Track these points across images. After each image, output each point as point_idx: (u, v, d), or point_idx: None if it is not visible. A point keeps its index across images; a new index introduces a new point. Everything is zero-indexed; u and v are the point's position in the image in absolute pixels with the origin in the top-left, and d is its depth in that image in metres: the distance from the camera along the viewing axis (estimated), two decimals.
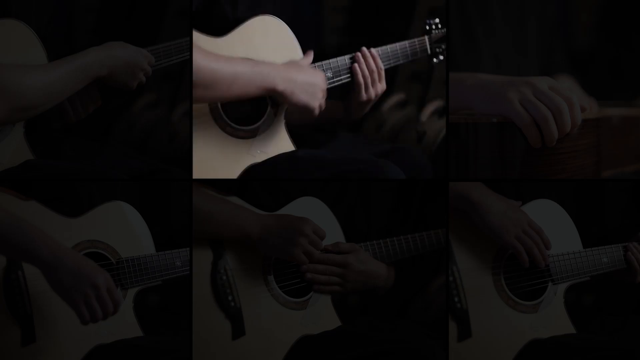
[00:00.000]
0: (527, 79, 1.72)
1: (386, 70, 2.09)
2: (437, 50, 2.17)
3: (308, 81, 1.95)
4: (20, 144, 1.87)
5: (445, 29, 2.19)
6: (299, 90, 1.94)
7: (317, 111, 1.98)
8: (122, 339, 1.84)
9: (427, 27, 2.17)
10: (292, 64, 1.97)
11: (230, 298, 1.86)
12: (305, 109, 1.97)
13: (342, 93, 2.15)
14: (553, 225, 1.89)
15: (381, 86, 2.08)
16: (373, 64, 2.05)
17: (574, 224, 1.92)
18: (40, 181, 1.86)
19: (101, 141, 2.51)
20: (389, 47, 2.10)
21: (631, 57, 2.61)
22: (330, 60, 2.04)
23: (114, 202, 1.90)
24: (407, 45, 2.13)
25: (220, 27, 1.97)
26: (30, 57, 1.84)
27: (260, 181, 1.96)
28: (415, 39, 2.14)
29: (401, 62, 2.13)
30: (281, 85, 1.92)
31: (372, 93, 2.07)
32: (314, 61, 2.02)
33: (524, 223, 1.84)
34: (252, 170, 1.96)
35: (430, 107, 2.62)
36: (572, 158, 1.75)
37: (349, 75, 2.05)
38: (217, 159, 1.94)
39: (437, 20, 2.17)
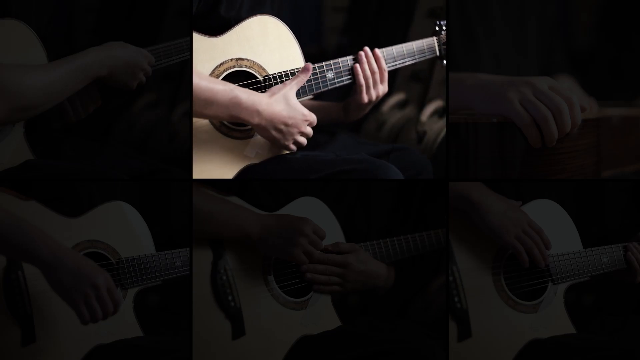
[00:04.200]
0: (527, 79, 1.72)
1: (388, 72, 2.08)
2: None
3: (285, 121, 1.93)
4: (20, 144, 1.87)
5: None
6: (272, 127, 1.92)
7: (290, 148, 1.96)
8: (122, 339, 1.84)
9: (437, 29, 2.14)
10: (280, 95, 1.94)
11: (230, 298, 1.86)
12: (277, 145, 1.97)
13: (343, 94, 2.15)
14: (553, 225, 1.89)
15: (383, 88, 2.06)
16: (375, 65, 2.04)
17: (574, 224, 1.92)
18: (40, 181, 1.86)
19: (101, 141, 2.51)
20: (394, 49, 2.08)
21: (631, 57, 2.61)
22: (332, 61, 2.03)
23: (114, 202, 1.90)
24: (414, 46, 2.11)
25: (218, 26, 1.96)
26: (30, 57, 1.84)
27: (260, 181, 1.96)
28: (423, 40, 2.12)
29: (408, 63, 2.11)
30: (256, 120, 1.91)
31: (373, 95, 2.05)
32: (314, 61, 2.02)
33: (524, 223, 1.84)
34: (248, 171, 1.96)
35: (430, 107, 2.62)
36: (572, 158, 1.75)
37: (350, 76, 2.04)
38: (210, 158, 1.94)
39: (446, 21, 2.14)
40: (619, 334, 1.93)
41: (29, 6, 1.91)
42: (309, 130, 1.97)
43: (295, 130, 1.95)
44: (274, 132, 1.93)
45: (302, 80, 1.97)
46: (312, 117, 1.97)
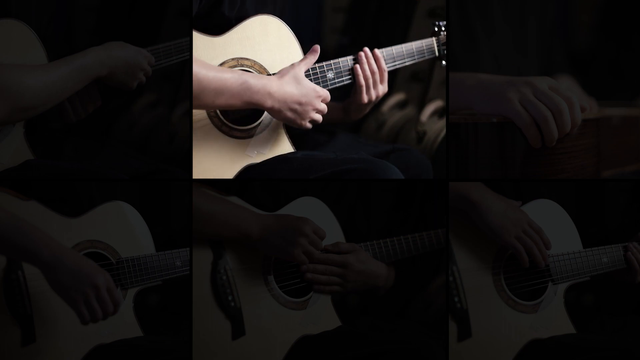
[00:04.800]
0: (527, 79, 1.72)
1: (388, 72, 2.08)
2: (445, 52, 2.15)
3: (299, 100, 1.93)
4: (20, 144, 1.87)
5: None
6: (286, 108, 1.92)
7: (306, 126, 1.96)
8: (122, 339, 1.84)
9: (436, 29, 2.14)
10: (289, 76, 1.94)
11: (230, 298, 1.86)
12: (294, 125, 1.96)
13: (343, 94, 2.15)
14: (553, 225, 1.89)
15: (382, 88, 2.07)
16: (375, 65, 2.04)
17: (574, 224, 1.92)
18: (40, 181, 1.86)
19: (101, 141, 2.51)
20: (394, 49, 2.08)
21: (631, 57, 2.61)
22: (333, 61, 2.03)
23: (114, 202, 1.90)
24: (414, 47, 2.11)
25: (219, 25, 1.97)
26: (30, 57, 1.84)
27: (260, 181, 1.96)
28: (422, 41, 2.13)
29: (407, 63, 2.11)
30: (269, 103, 1.91)
31: (373, 95, 2.06)
32: (314, 62, 2.02)
33: (523, 223, 1.84)
34: (248, 171, 1.96)
35: (430, 107, 2.62)
36: (572, 158, 1.75)
37: (350, 76, 2.04)
38: (211, 158, 1.94)
39: (445, 22, 2.14)
40: (619, 334, 1.93)
41: (29, 6, 1.91)
42: (323, 107, 1.97)
43: (309, 108, 1.94)
44: (289, 113, 1.93)
45: (310, 61, 1.97)
46: (325, 93, 1.97)
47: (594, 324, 1.97)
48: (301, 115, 1.94)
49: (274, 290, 1.90)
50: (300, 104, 1.93)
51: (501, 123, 1.71)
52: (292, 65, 1.96)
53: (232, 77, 1.88)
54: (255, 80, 1.90)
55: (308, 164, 1.96)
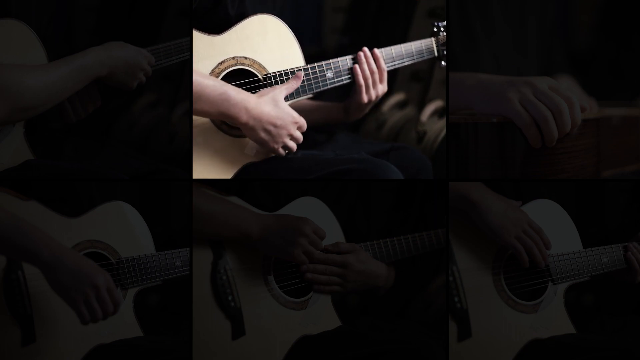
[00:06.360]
0: (527, 79, 1.72)
1: (387, 72, 2.08)
2: (445, 52, 2.15)
3: (274, 121, 1.91)
4: (20, 144, 1.87)
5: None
6: (260, 127, 1.91)
7: (279, 152, 1.95)
8: (122, 339, 1.84)
9: (435, 30, 2.14)
10: (268, 97, 1.92)
11: (230, 298, 1.86)
12: (266, 149, 1.95)
13: (342, 94, 2.15)
14: (553, 225, 1.89)
15: (382, 88, 2.07)
16: (374, 65, 2.04)
17: (574, 224, 1.92)
18: (40, 181, 1.86)
19: (101, 141, 2.51)
20: (393, 49, 2.09)
21: (631, 57, 2.61)
22: (332, 61, 2.03)
23: (114, 202, 1.90)
24: (413, 47, 2.11)
25: (219, 24, 1.97)
26: (30, 57, 1.84)
27: (260, 181, 1.96)
28: (422, 41, 2.13)
29: (406, 63, 2.11)
30: (244, 118, 1.90)
31: (373, 94, 2.06)
32: (314, 61, 2.02)
33: (523, 223, 1.84)
34: (248, 170, 1.96)
35: (430, 107, 2.62)
36: (572, 158, 1.75)
37: (349, 76, 2.05)
38: (210, 156, 1.94)
39: (445, 22, 2.14)
40: (619, 334, 1.93)
41: (29, 6, 1.91)
42: (298, 135, 1.96)
43: (284, 132, 1.93)
44: (262, 134, 1.92)
45: (292, 87, 1.97)
46: (302, 121, 1.96)
47: (594, 324, 1.97)
48: (274, 138, 1.92)
49: (274, 290, 1.90)
50: (275, 125, 1.92)
51: (501, 123, 1.71)
52: (273, 87, 1.96)
53: (213, 85, 1.88)
54: (234, 93, 1.89)
55: (308, 164, 1.96)
